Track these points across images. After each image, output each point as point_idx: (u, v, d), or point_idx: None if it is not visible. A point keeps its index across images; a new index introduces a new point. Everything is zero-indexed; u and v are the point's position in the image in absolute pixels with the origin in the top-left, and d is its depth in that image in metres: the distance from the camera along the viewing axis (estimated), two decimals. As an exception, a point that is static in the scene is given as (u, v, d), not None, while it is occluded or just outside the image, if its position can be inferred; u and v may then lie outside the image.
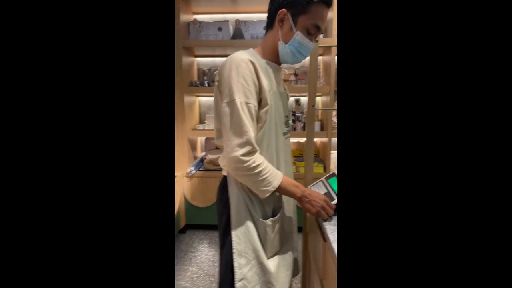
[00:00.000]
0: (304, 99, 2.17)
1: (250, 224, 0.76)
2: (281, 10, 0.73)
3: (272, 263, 0.78)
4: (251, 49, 0.81)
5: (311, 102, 1.01)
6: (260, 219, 0.76)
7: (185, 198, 2.00)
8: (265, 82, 0.72)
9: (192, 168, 1.97)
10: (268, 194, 0.73)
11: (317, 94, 2.10)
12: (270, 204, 0.78)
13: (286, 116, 0.85)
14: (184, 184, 1.98)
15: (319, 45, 0.98)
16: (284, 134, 0.82)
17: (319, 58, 2.15)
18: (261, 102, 0.73)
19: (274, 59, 0.79)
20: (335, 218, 0.76)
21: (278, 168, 0.78)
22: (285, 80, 1.88)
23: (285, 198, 0.84)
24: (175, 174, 1.93)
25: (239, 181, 0.75)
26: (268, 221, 0.76)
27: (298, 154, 2.14)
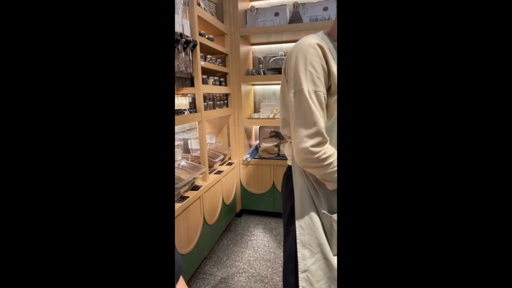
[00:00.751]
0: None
1: (314, 216, 0.74)
2: None
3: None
4: (322, 31, 0.75)
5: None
6: (325, 212, 0.73)
7: (241, 184, 2.08)
8: (334, 68, 0.66)
9: (248, 155, 2.03)
10: (336, 187, 0.69)
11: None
12: (336, 198, 0.75)
13: None
14: (241, 171, 2.06)
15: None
16: None
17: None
18: (330, 89, 0.67)
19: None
20: None
21: None
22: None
23: None
24: (232, 161, 2.01)
25: (309, 172, 0.72)
26: (335, 216, 0.73)
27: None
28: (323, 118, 0.66)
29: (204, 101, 1.60)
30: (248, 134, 2.21)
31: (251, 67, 2.17)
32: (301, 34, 1.83)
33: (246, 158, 2.01)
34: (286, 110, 0.75)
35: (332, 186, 0.70)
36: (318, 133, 0.65)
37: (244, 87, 2.02)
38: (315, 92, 0.65)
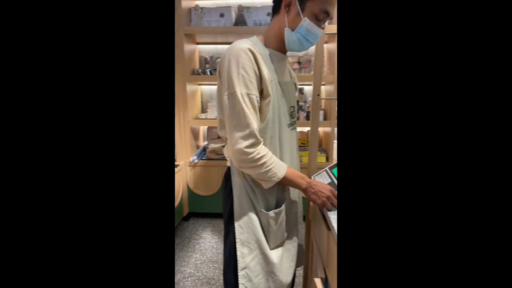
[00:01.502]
0: (307, 88, 2.14)
1: (252, 214, 0.76)
2: None
3: (275, 254, 0.79)
4: (255, 37, 0.78)
5: (316, 91, 1.00)
6: (263, 210, 0.76)
7: (188, 187, 2.02)
8: (266, 72, 0.70)
9: (195, 157, 1.98)
10: (272, 185, 0.73)
11: (322, 83, 2.07)
12: (273, 196, 0.78)
13: (292, 107, 0.82)
14: (187, 173, 1.99)
15: (325, 32, 0.96)
16: (290, 125, 0.80)
17: (324, 46, 2.10)
18: (262, 93, 0.71)
19: (279, 47, 0.77)
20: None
21: (282, 159, 0.77)
22: (288, 69, 1.84)
23: (290, 190, 0.84)
24: (178, 163, 1.94)
25: (244, 172, 0.75)
26: (271, 213, 0.77)
27: (301, 144, 2.14)
28: (256, 120, 0.69)
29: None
30: (196, 135, 2.16)
31: (197, 67, 2.12)
32: (246, 36, 1.88)
33: (193, 160, 1.96)
34: (222, 112, 0.76)
35: (267, 184, 0.73)
36: (251, 135, 0.67)
37: (190, 87, 1.97)
38: (248, 95, 0.67)
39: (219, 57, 2.05)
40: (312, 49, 0.96)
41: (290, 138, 0.81)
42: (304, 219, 1.03)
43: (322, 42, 0.95)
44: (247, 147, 0.67)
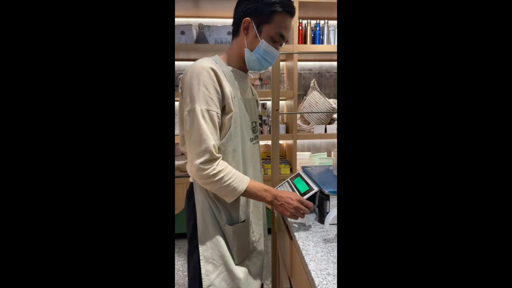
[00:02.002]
0: (270, 103, 2.23)
1: (216, 230, 0.76)
2: (245, 19, 0.75)
3: (241, 269, 0.78)
4: (217, 56, 0.81)
5: (275, 106, 1.05)
6: (227, 225, 0.76)
7: (151, 207, 1.91)
8: (228, 89, 0.73)
9: (158, 175, 1.90)
10: (234, 199, 0.74)
11: (282, 98, 2.17)
12: (237, 210, 0.79)
13: (254, 122, 0.85)
14: (149, 193, 1.89)
15: (280, 52, 1.03)
16: (252, 139, 0.83)
17: (282, 63, 2.23)
18: (224, 109, 0.73)
19: (240, 66, 0.81)
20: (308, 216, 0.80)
21: (245, 173, 0.78)
22: (250, 85, 1.91)
23: (254, 203, 0.85)
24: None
25: (205, 188, 0.75)
26: (235, 227, 0.77)
27: (266, 157, 2.19)
28: (215, 136, 0.70)
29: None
30: (158, 153, 2.08)
31: (158, 83, 2.09)
32: (208, 54, 1.92)
33: (156, 178, 1.87)
34: (183, 128, 0.76)
35: (229, 199, 0.74)
36: (207, 151, 0.68)
37: (151, 103, 1.92)
38: (208, 111, 0.69)
39: (181, 73, 2.04)
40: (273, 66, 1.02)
41: (253, 152, 0.83)
42: (269, 232, 1.05)
43: (278, 61, 1.02)
44: (202, 163, 0.68)
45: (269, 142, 2.24)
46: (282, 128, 2.07)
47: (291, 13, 0.75)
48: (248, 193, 0.74)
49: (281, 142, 2.29)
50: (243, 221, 0.79)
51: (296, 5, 1.86)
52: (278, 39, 0.76)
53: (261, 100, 2.17)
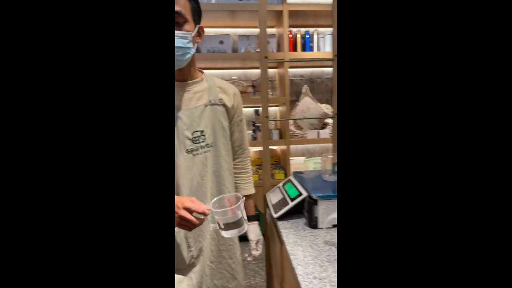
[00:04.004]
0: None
1: None
2: None
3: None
4: None
5: (264, 114, 1.07)
6: None
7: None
8: None
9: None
10: None
11: (275, 104, 2.20)
12: None
13: (200, 131, 0.77)
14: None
15: (270, 61, 1.06)
16: (190, 151, 0.76)
17: (274, 70, 2.27)
18: None
19: (178, 75, 0.75)
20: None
21: (178, 186, 0.74)
22: (243, 92, 1.94)
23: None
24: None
25: None
26: None
27: (261, 163, 2.20)
28: None
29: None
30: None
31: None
32: (200, 63, 1.95)
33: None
34: None
35: None
36: None
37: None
38: None
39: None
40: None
41: (192, 164, 0.76)
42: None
43: (265, 70, 1.04)
44: None
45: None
46: (275, 134, 2.10)
47: None
48: None
49: (275, 147, 2.31)
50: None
51: (286, 14, 1.91)
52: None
53: (254, 107, 2.20)
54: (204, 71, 0.85)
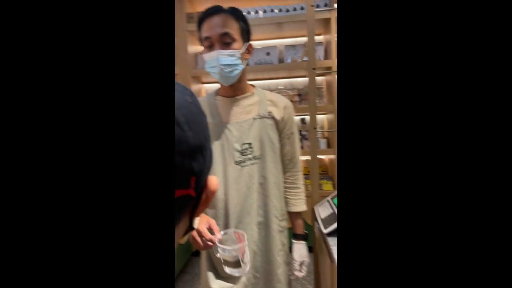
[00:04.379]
0: (308, 118, 2.22)
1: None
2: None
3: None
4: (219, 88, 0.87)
5: (313, 124, 1.05)
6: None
7: (197, 221, 2.02)
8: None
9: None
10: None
11: (322, 112, 2.14)
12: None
13: (248, 144, 0.80)
14: (196, 207, 2.02)
15: (318, 72, 1.04)
16: (238, 162, 0.80)
17: (322, 78, 2.22)
18: None
19: (225, 91, 0.83)
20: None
21: (227, 197, 0.80)
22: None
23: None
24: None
25: None
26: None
27: (307, 172, 2.15)
28: None
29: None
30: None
31: (204, 104, 2.27)
32: (247, 75, 2.02)
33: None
34: None
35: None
36: None
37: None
38: None
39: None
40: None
41: (240, 174, 0.79)
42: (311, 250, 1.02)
43: (313, 79, 1.03)
44: None
45: (309, 157, 2.21)
46: (323, 143, 2.03)
47: (209, 14, 0.74)
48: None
49: (322, 157, 2.23)
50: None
51: (333, 21, 1.86)
52: (206, 44, 0.76)
53: (301, 115, 2.17)
54: (252, 82, 0.89)
